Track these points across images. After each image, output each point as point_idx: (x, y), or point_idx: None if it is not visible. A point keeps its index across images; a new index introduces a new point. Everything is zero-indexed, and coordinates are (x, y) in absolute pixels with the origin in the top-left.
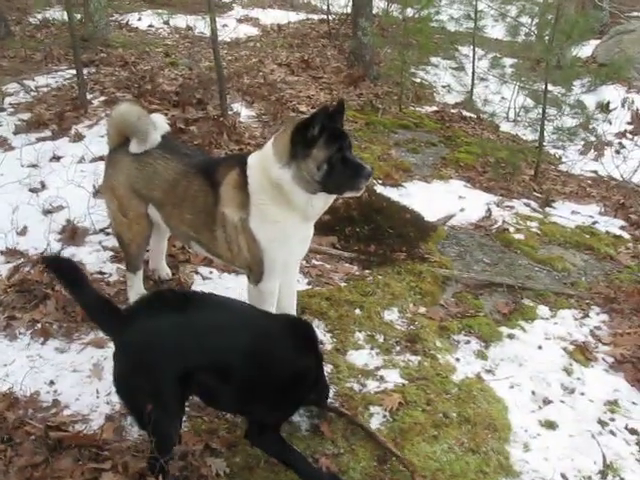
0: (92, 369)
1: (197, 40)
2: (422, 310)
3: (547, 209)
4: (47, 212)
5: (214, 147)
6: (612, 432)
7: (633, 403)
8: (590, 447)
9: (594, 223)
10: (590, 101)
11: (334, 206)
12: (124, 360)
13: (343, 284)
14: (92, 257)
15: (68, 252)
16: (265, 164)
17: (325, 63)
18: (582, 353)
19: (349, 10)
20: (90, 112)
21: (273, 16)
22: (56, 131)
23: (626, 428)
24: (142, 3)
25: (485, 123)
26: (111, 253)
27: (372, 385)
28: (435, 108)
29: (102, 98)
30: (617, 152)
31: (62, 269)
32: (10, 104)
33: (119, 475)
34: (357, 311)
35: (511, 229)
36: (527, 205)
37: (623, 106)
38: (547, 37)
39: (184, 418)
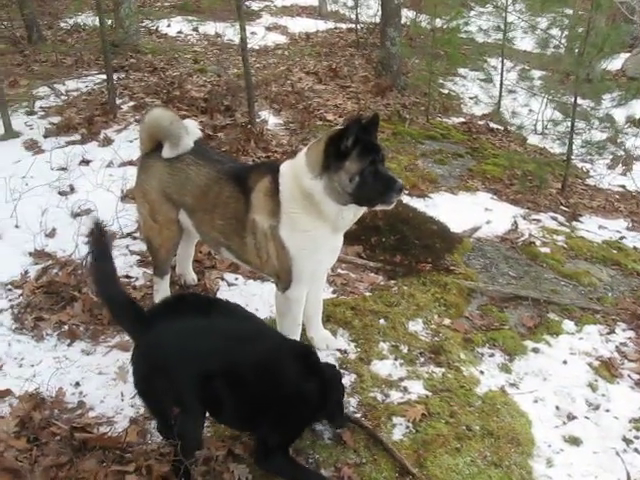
0: (117, 372)
1: (225, 47)
2: (447, 322)
3: (574, 223)
4: (76, 215)
5: (241, 154)
6: (637, 450)
7: None
8: (614, 464)
9: (621, 238)
10: (620, 115)
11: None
12: (147, 361)
13: (368, 294)
14: (119, 261)
15: None
16: (297, 173)
17: (353, 72)
18: (607, 369)
19: (377, 20)
20: (119, 117)
21: (301, 24)
22: (85, 135)
23: None
24: (172, 10)
25: (512, 135)
26: (138, 257)
27: (395, 396)
28: (462, 119)
29: (131, 103)
30: None
31: (100, 254)
32: (41, 107)
33: (142, 478)
34: (381, 321)
35: (537, 242)
36: (554, 219)
37: None
38: (577, 50)
39: (207, 424)
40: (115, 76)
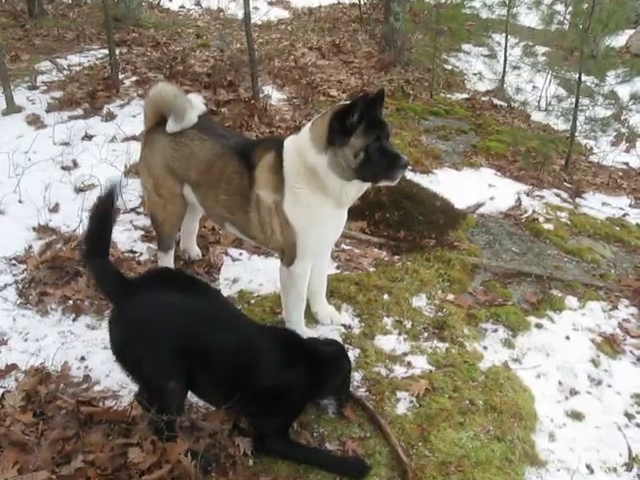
0: None
1: (228, 22)
2: (450, 297)
3: (577, 200)
4: (79, 190)
5: (245, 129)
6: (638, 425)
7: None
8: (616, 439)
9: (624, 215)
10: (624, 92)
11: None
12: (129, 327)
13: (372, 269)
14: (123, 236)
15: None
16: (301, 148)
17: (356, 48)
18: (610, 345)
19: None
20: (122, 92)
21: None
22: (88, 110)
23: None
24: None
25: (516, 112)
26: (142, 232)
27: (399, 370)
28: (466, 95)
29: (134, 78)
30: None
31: (99, 220)
32: (43, 82)
33: (147, 451)
34: (385, 296)
35: (541, 219)
36: (557, 195)
37: None
38: (582, 26)
39: None
40: (117, 51)
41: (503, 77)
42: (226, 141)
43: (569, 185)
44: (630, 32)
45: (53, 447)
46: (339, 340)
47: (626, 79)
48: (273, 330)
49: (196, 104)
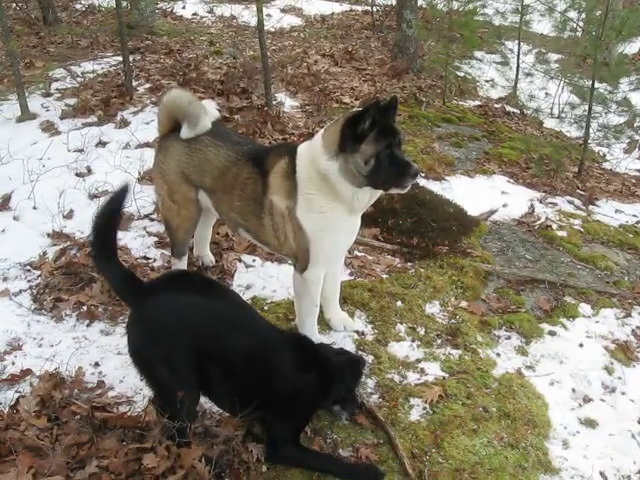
0: None
1: (241, 29)
2: (463, 304)
3: (590, 207)
4: (93, 197)
5: (258, 136)
6: None
7: None
8: (630, 447)
9: (638, 222)
10: (637, 99)
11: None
12: (144, 330)
13: (385, 276)
14: (137, 242)
15: None
16: (314, 154)
17: (369, 55)
18: (623, 352)
19: (393, 2)
20: (135, 99)
21: (317, 7)
22: (102, 117)
23: None
24: None
25: (529, 119)
26: (155, 239)
27: (413, 377)
28: (478, 103)
29: (147, 85)
30: None
31: (103, 227)
32: (57, 89)
33: (161, 457)
34: (399, 303)
35: (554, 226)
36: (570, 202)
37: None
38: (595, 33)
39: None
40: (131, 58)
41: (516, 84)
42: (240, 147)
43: (582, 192)
44: None
45: (67, 452)
46: (352, 346)
47: (639, 86)
48: (287, 334)
49: (210, 110)
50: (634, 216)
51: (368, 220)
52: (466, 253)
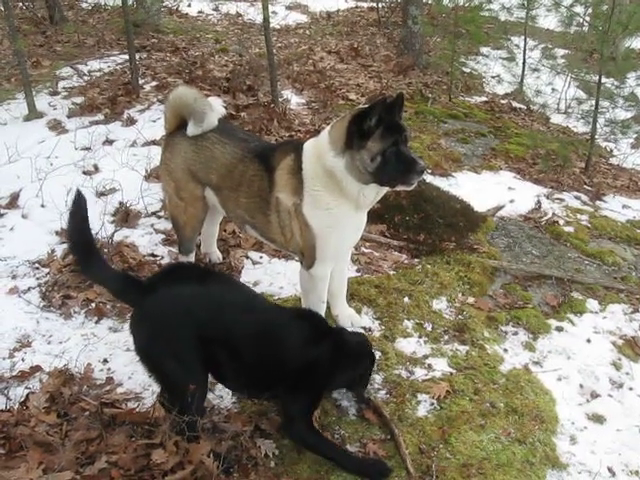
0: None
1: (247, 27)
2: (470, 300)
3: (598, 202)
4: (101, 194)
5: (264, 133)
6: None
7: None
8: (638, 442)
9: None
10: None
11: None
12: (148, 326)
13: (392, 272)
14: (144, 240)
15: (121, 234)
16: (320, 151)
17: (374, 51)
18: (631, 348)
19: None
20: (142, 97)
21: (322, 3)
22: (109, 115)
23: None
24: None
25: (535, 114)
26: (163, 236)
27: (420, 373)
28: (485, 98)
29: (154, 83)
30: None
31: (79, 241)
32: (64, 88)
33: (170, 452)
34: (406, 299)
35: (561, 222)
36: (577, 198)
37: None
38: (601, 28)
39: (234, 400)
40: (137, 56)
41: (522, 80)
42: (247, 144)
43: (589, 188)
44: None
45: (77, 448)
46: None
47: None
48: (294, 310)
49: (216, 107)
50: None
51: (375, 216)
52: (473, 249)
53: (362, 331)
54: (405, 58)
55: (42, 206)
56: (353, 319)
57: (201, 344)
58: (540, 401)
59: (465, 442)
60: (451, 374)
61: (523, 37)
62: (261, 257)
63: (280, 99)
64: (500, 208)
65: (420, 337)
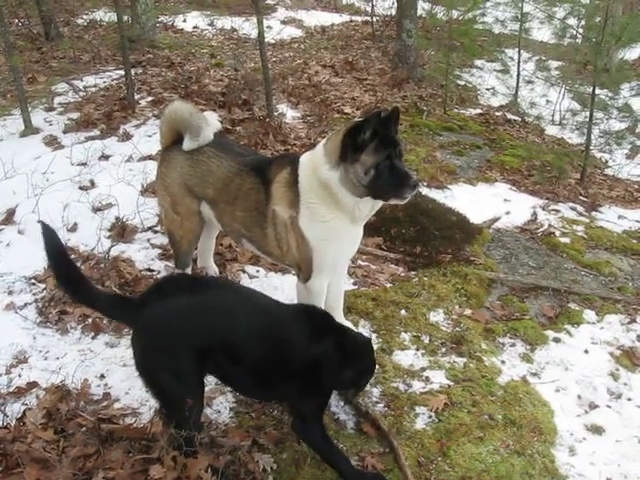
0: None
1: (242, 41)
2: (467, 312)
3: (593, 213)
4: (97, 210)
5: (260, 148)
6: None
7: None
8: (637, 453)
9: None
10: (638, 104)
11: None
12: (143, 342)
13: (389, 285)
14: (141, 254)
15: (118, 249)
16: (315, 164)
17: (369, 65)
18: (629, 358)
19: (393, 12)
20: (138, 112)
21: (317, 18)
22: (105, 130)
23: None
24: (187, 5)
25: (530, 126)
26: (159, 251)
27: (418, 385)
28: (479, 111)
29: (149, 98)
30: None
31: (62, 270)
32: (59, 104)
33: (168, 467)
34: (403, 312)
35: (557, 233)
36: (573, 209)
37: None
38: (595, 39)
39: (232, 414)
40: (133, 71)
41: (516, 92)
42: (243, 158)
43: (585, 199)
44: None
45: (74, 464)
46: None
47: None
48: (294, 306)
49: (212, 121)
50: (637, 222)
51: (371, 229)
52: (469, 261)
53: None
54: (400, 71)
55: (38, 222)
56: None
57: (199, 354)
58: (538, 413)
59: (464, 455)
60: (449, 386)
61: (517, 49)
62: (258, 271)
63: (275, 113)
64: (496, 220)
65: (417, 350)
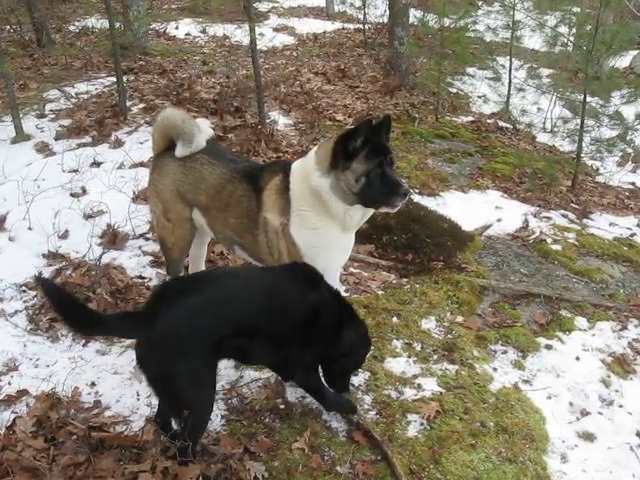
0: (133, 372)
1: (234, 49)
2: (459, 319)
3: (585, 220)
4: (88, 217)
5: (252, 155)
6: None
7: None
8: (629, 460)
9: (632, 235)
10: (629, 112)
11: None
12: (163, 351)
13: (380, 292)
14: (132, 262)
15: (109, 256)
16: (307, 171)
17: (361, 72)
18: (620, 365)
19: (385, 20)
20: (129, 119)
21: (309, 25)
22: (96, 137)
23: None
24: (179, 12)
25: (522, 134)
26: (151, 258)
27: (409, 393)
28: (471, 118)
29: (141, 105)
30: None
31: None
32: (51, 110)
33: (158, 476)
34: (394, 319)
35: (548, 240)
36: (564, 216)
37: None
38: (586, 47)
39: (223, 422)
40: (125, 78)
41: (508, 99)
42: (235, 165)
43: (576, 206)
44: (634, 53)
45: (64, 472)
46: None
47: (631, 99)
48: (288, 265)
49: (204, 128)
50: (628, 229)
51: (363, 236)
52: (461, 268)
53: None
54: (392, 79)
55: (29, 229)
56: None
57: (214, 348)
58: (530, 420)
59: (456, 462)
60: (441, 394)
61: (508, 57)
62: None
63: (267, 120)
64: (488, 227)
65: (409, 357)
